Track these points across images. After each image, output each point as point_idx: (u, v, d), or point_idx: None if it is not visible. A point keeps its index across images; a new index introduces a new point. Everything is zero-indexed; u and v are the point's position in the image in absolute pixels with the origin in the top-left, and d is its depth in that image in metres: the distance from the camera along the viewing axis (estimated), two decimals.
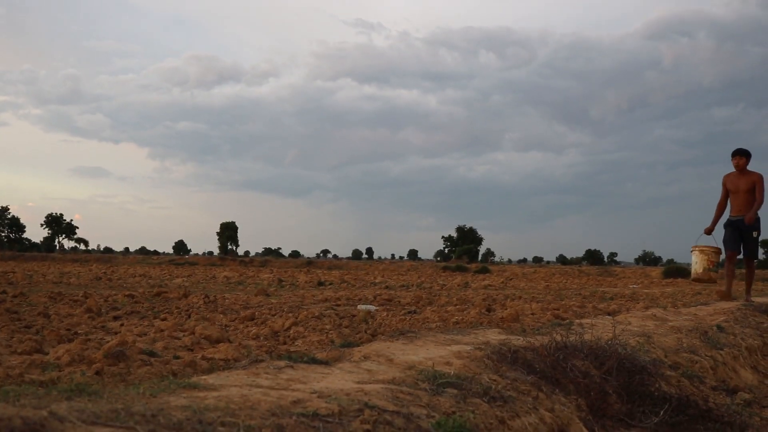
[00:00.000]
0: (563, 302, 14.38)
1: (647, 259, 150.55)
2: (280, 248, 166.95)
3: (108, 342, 5.69)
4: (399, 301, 14.27)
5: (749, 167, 12.66)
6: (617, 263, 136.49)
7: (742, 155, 12.55)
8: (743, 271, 14.70)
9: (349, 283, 26.68)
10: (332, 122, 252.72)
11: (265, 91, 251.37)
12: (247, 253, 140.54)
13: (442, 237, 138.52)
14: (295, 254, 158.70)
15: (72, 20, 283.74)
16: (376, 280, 30.46)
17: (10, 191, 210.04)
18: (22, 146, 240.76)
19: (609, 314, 10.39)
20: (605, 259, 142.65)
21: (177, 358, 5.52)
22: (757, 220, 12.45)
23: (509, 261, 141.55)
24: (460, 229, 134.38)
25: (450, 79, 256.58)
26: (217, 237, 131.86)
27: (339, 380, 3.47)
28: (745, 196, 12.52)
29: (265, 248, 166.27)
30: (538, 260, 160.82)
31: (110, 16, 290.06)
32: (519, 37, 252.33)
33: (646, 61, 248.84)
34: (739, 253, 12.86)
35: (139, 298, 13.49)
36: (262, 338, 7.47)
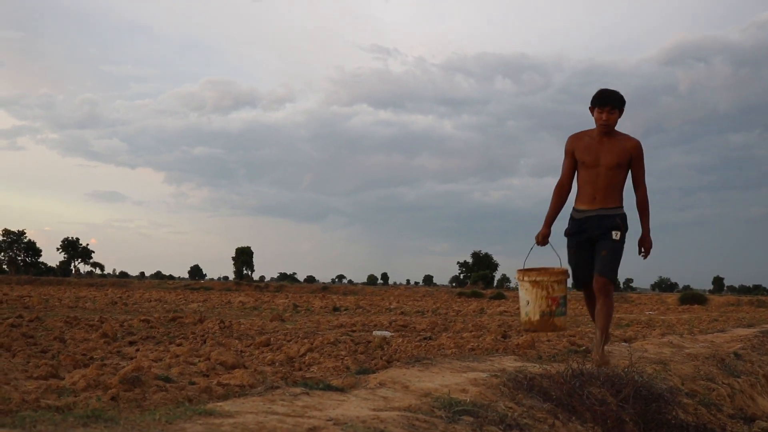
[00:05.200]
0: (579, 329, 14.33)
1: (663, 286, 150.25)
2: (295, 273, 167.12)
3: (124, 367, 5.70)
4: (414, 327, 14.24)
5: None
6: (633, 289, 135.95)
7: (614, 106, 6.79)
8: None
9: (364, 309, 26.67)
10: (348, 147, 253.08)
11: (281, 117, 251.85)
12: (262, 278, 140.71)
13: (458, 262, 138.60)
14: (310, 279, 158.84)
15: (89, 45, 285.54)
16: (392, 306, 30.44)
17: (26, 215, 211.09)
18: (39, 170, 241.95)
19: (625, 341, 10.35)
20: (621, 285, 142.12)
21: (192, 383, 5.52)
22: (623, 216, 6.92)
23: None
24: (475, 255, 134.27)
25: (465, 104, 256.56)
26: (232, 262, 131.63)
27: (355, 407, 3.46)
28: (608, 175, 6.87)
29: (281, 273, 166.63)
30: None
31: (127, 41, 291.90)
32: (534, 63, 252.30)
33: (661, 87, 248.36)
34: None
35: (154, 323, 13.50)
36: (277, 364, 7.47)
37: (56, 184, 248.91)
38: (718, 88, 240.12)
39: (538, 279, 6.92)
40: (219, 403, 3.37)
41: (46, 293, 35.18)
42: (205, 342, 9.80)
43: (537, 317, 6.85)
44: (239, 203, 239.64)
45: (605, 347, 6.93)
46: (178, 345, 9.16)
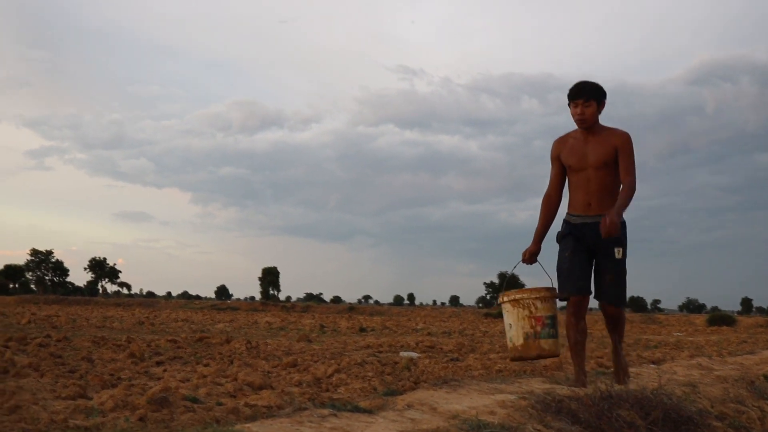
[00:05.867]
0: (607, 350, 14.26)
1: (691, 307, 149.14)
2: (321, 293, 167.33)
3: (151, 388, 5.71)
4: (441, 348, 14.23)
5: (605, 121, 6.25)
6: (661, 311, 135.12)
7: (590, 97, 6.00)
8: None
9: (390, 330, 26.66)
10: (374, 167, 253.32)
11: (307, 137, 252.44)
12: (288, 298, 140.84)
13: (484, 283, 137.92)
14: (336, 300, 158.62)
15: (116, 65, 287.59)
16: (418, 327, 30.42)
17: (54, 235, 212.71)
18: (66, 191, 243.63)
19: (654, 363, 10.29)
20: (648, 307, 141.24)
21: (220, 404, 5.53)
22: (622, 224, 5.97)
23: None
24: (502, 276, 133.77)
25: (491, 124, 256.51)
26: (259, 282, 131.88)
27: (383, 429, 3.46)
28: (598, 177, 6.11)
29: (307, 293, 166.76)
30: None
31: (154, 61, 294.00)
32: (561, 83, 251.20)
33: (688, 107, 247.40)
34: (591, 295, 6.24)
35: (181, 344, 13.54)
36: (304, 385, 7.47)
37: (84, 204, 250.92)
38: (745, 108, 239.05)
39: (517, 297, 6.02)
40: (247, 425, 3.37)
41: (74, 313, 35.38)
42: (232, 362, 9.82)
43: (521, 341, 5.96)
44: (265, 223, 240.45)
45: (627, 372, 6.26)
46: (206, 365, 9.18)
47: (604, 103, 6.09)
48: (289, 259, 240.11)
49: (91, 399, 5.74)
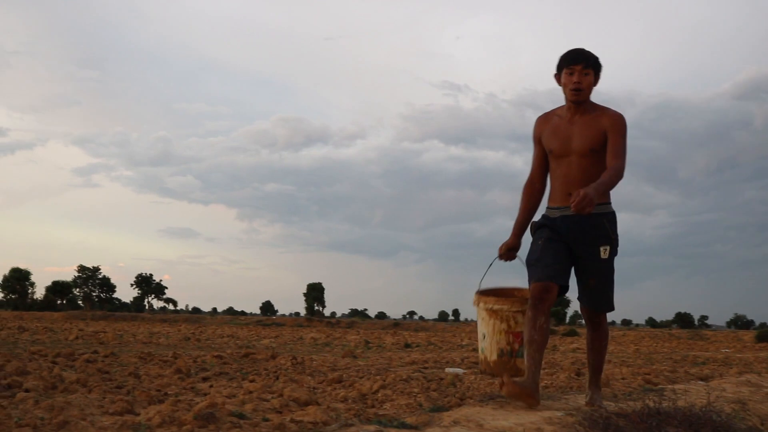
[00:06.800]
0: (654, 367, 14.15)
1: (739, 323, 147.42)
2: (366, 309, 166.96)
3: (198, 403, 5.73)
4: None
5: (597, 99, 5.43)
6: (708, 327, 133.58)
7: (589, 64, 5.20)
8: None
9: (435, 345, 26.61)
10: (419, 183, 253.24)
11: (352, 153, 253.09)
12: (333, 314, 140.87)
13: None
14: (381, 315, 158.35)
15: (163, 83, 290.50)
16: (463, 342, 30.32)
17: (101, 251, 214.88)
18: (113, 207, 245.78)
19: (702, 379, 10.17)
20: (696, 323, 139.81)
21: (266, 420, 5.53)
22: (612, 217, 5.27)
23: None
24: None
25: None
26: (303, 298, 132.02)
27: None
28: (582, 165, 5.28)
29: (352, 309, 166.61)
30: (627, 323, 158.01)
31: (200, 79, 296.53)
32: (606, 98, 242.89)
33: (735, 122, 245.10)
34: (564, 291, 5.35)
35: (227, 359, 13.57)
36: (350, 401, 7.46)
37: (130, 220, 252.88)
38: None
39: (495, 307, 5.39)
40: None
41: (121, 329, 35.63)
42: (277, 378, 9.84)
43: (494, 357, 5.36)
44: (310, 239, 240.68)
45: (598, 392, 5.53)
46: (251, 381, 9.19)
47: (599, 77, 5.32)
48: (334, 275, 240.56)
49: (138, 415, 5.77)
